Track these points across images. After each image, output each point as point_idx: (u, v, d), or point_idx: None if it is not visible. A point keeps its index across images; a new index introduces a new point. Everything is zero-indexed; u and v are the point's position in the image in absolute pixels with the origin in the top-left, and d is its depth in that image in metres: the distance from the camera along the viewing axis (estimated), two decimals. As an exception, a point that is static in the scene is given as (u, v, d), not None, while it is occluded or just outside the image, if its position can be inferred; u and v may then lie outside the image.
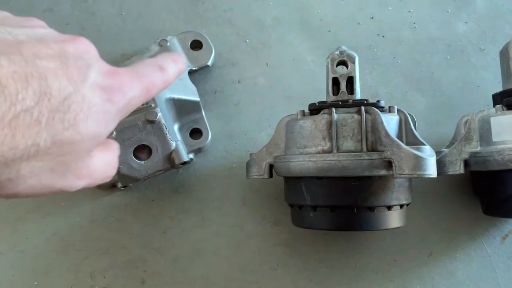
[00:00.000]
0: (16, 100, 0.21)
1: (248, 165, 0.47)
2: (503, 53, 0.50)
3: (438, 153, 0.50)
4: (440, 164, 0.48)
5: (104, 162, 0.29)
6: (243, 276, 0.50)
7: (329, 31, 0.60)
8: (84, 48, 0.26)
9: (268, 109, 0.56)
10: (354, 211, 0.41)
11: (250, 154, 0.48)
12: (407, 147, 0.38)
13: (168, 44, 0.55)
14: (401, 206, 0.43)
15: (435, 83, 0.58)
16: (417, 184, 0.52)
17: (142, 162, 0.45)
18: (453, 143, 0.51)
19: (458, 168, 0.47)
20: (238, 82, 0.58)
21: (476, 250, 0.52)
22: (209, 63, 0.56)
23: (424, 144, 0.41)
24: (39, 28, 0.25)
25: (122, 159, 0.43)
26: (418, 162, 0.38)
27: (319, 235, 0.51)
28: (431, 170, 0.38)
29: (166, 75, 0.32)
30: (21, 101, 0.21)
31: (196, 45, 0.57)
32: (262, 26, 0.60)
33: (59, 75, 0.23)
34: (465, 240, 0.52)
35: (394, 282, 0.50)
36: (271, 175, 0.46)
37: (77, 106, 0.24)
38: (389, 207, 0.42)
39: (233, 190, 0.53)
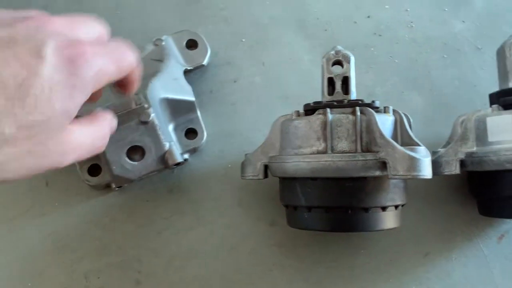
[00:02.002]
0: None
1: (243, 166, 0.47)
2: (500, 52, 0.50)
3: (434, 153, 0.50)
4: (436, 164, 0.48)
5: (89, 135, 0.29)
6: (238, 277, 0.50)
7: (326, 30, 0.60)
8: (35, 25, 0.25)
9: (264, 109, 0.56)
10: (349, 212, 0.41)
11: (246, 154, 0.47)
12: (401, 148, 0.38)
13: (163, 43, 0.54)
14: (396, 207, 0.43)
15: (431, 82, 0.58)
16: (413, 184, 0.51)
17: (136, 163, 0.45)
18: (450, 143, 0.51)
19: (454, 168, 0.47)
20: (234, 81, 0.57)
21: (472, 251, 0.51)
22: (205, 62, 0.56)
23: (419, 145, 0.41)
24: None
25: (115, 160, 0.43)
26: (413, 163, 0.37)
27: (315, 236, 0.50)
28: (426, 171, 0.38)
29: (137, 57, 0.32)
30: None
31: (192, 44, 0.56)
32: (258, 25, 0.60)
33: (9, 62, 0.23)
34: (461, 240, 0.52)
35: (390, 283, 0.50)
36: (266, 176, 0.46)
37: (36, 88, 0.23)
38: (384, 208, 0.41)
39: (228, 191, 0.52)
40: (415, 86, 0.58)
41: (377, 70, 0.58)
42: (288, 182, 0.44)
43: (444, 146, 0.51)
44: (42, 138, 0.25)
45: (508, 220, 0.52)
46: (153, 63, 0.52)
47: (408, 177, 0.37)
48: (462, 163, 0.47)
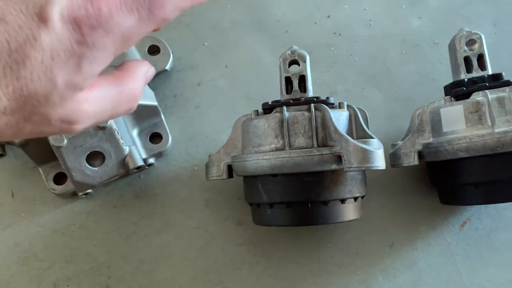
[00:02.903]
0: None
1: (207, 167, 0.48)
2: (451, 46, 0.51)
3: (393, 146, 0.51)
4: (395, 156, 0.49)
5: (111, 99, 0.24)
6: (207, 277, 0.51)
7: (287, 31, 0.61)
8: None
9: (228, 111, 0.57)
10: (309, 206, 0.42)
11: (209, 156, 0.48)
12: (354, 141, 0.39)
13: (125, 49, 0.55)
14: (355, 198, 0.44)
15: (391, 78, 0.60)
16: (376, 177, 0.53)
17: (96, 168, 0.45)
18: (407, 135, 0.53)
19: (412, 160, 0.48)
20: (198, 85, 0.58)
21: (436, 239, 0.53)
22: (168, 67, 0.56)
23: (372, 138, 0.42)
24: None
25: (75, 167, 0.43)
26: (366, 155, 0.39)
27: (282, 232, 0.51)
28: (379, 162, 0.39)
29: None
30: None
31: (154, 50, 0.57)
32: (220, 28, 0.61)
33: (6, 19, 0.19)
34: (425, 229, 0.53)
35: (357, 275, 0.51)
36: (230, 175, 0.47)
37: (33, 58, 0.19)
38: (343, 201, 0.43)
39: (195, 193, 0.53)
40: (376, 83, 0.59)
41: (338, 69, 0.60)
42: (251, 180, 0.45)
43: (403, 139, 0.53)
44: (42, 110, 0.21)
45: (469, 207, 0.53)
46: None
47: (362, 168, 0.39)
48: (420, 154, 0.48)
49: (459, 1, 0.64)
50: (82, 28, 0.20)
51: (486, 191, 0.45)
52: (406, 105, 0.58)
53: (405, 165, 0.49)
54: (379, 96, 0.59)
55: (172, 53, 0.57)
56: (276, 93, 0.53)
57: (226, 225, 0.52)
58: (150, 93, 0.53)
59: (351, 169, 0.39)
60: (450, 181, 0.48)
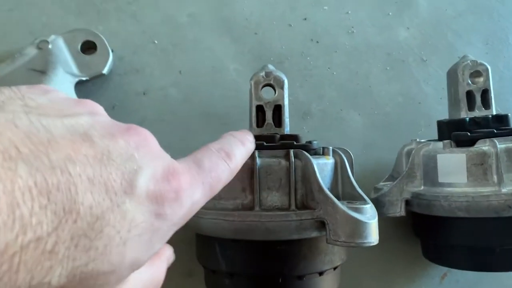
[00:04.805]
0: (28, 225, 0.15)
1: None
2: (451, 75, 0.44)
3: (376, 190, 0.43)
4: (378, 204, 0.41)
5: (144, 282, 0.22)
6: None
7: (256, 33, 0.51)
8: (138, 142, 0.20)
9: (181, 128, 0.47)
10: (280, 281, 0.33)
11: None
12: (343, 208, 0.30)
13: (50, 46, 0.42)
14: (335, 267, 0.36)
15: (373, 98, 0.51)
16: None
17: None
18: (393, 176, 0.45)
19: (398, 210, 0.41)
20: (144, 93, 0.47)
21: (414, 293, 0.47)
22: (105, 70, 0.45)
23: (364, 200, 0.34)
24: (86, 116, 0.19)
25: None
26: (358, 227, 0.30)
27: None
28: (372, 237, 0.31)
29: (234, 164, 0.26)
30: (35, 226, 0.15)
31: (89, 47, 0.45)
32: (174, 24, 0.49)
33: (95, 185, 0.17)
34: (403, 281, 0.47)
35: (324, 336, 0.44)
36: (179, 225, 0.37)
37: (113, 227, 0.18)
38: (321, 273, 0.34)
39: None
40: (355, 103, 0.51)
41: (314, 83, 0.51)
42: (206, 239, 0.35)
43: (387, 180, 0.45)
44: None
45: (450, 257, 0.47)
46: (33, 75, 0.40)
47: (352, 244, 0.30)
48: (408, 202, 0.41)
49: (450, 12, 0.56)
50: (164, 200, 0.20)
51: (483, 258, 0.39)
52: (388, 133, 0.50)
53: (390, 215, 0.41)
54: (358, 120, 0.51)
55: (112, 51, 0.45)
56: (240, 110, 0.44)
57: (173, 277, 0.42)
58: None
59: (337, 243, 0.30)
60: (440, 239, 0.41)
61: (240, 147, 0.28)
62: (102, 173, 0.18)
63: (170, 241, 0.42)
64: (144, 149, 0.20)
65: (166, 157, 0.21)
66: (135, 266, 0.19)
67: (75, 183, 0.16)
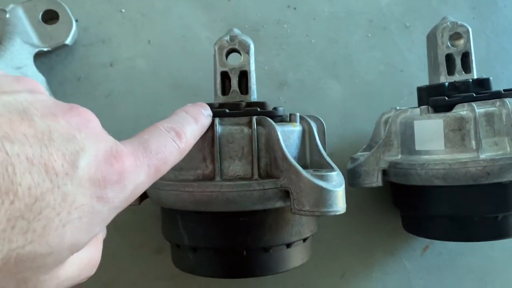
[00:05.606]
0: None
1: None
2: (430, 38, 0.41)
3: (352, 160, 0.42)
4: (354, 174, 0.40)
5: (80, 264, 0.21)
6: (114, 320, 0.40)
7: (229, 0, 0.48)
8: (80, 122, 0.19)
9: (150, 102, 0.45)
10: (244, 253, 0.32)
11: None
12: (308, 176, 0.29)
13: (7, 16, 0.40)
14: (305, 239, 0.34)
15: (353, 67, 0.49)
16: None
17: None
18: (371, 146, 0.43)
19: (375, 180, 0.39)
20: (110, 65, 0.45)
21: (394, 267, 0.45)
22: (69, 41, 0.43)
23: (331, 167, 0.32)
24: (26, 93, 0.18)
25: None
26: (322, 195, 0.28)
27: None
28: (338, 206, 0.29)
29: (184, 143, 0.25)
30: None
31: (51, 16, 0.43)
32: (142, -9, 0.47)
33: (34, 165, 0.17)
34: (382, 255, 0.45)
35: (301, 311, 0.43)
36: (142, 199, 0.35)
37: (52, 209, 0.17)
38: (289, 245, 0.33)
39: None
40: (334, 72, 0.49)
41: (290, 52, 0.48)
42: (168, 213, 0.34)
43: (365, 150, 0.44)
44: (28, 274, 0.18)
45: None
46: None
47: (316, 213, 0.29)
48: (385, 172, 0.39)
49: (435, -25, 0.53)
50: (106, 182, 0.19)
51: (462, 227, 0.37)
52: (369, 102, 0.48)
53: (366, 186, 0.39)
54: (337, 89, 0.48)
55: (75, 21, 0.43)
56: (212, 81, 0.42)
57: (141, 254, 0.41)
58: (41, 79, 0.40)
59: (301, 212, 0.29)
60: (419, 209, 0.39)
61: (192, 124, 0.27)
62: (42, 153, 0.17)
63: (137, 215, 0.41)
64: (86, 130, 0.19)
65: (110, 139, 0.21)
66: (75, 248, 0.19)
67: (12, 163, 0.16)
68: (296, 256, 0.34)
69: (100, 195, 0.19)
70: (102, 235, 0.24)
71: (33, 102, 0.18)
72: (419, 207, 0.39)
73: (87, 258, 0.22)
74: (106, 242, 0.40)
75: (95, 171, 0.19)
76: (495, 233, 0.37)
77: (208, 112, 0.30)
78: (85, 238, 0.19)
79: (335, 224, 0.44)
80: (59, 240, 0.18)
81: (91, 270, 0.23)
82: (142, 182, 0.22)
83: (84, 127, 0.19)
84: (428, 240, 0.46)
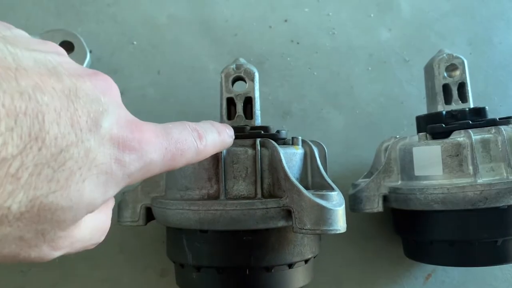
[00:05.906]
0: None
1: (120, 208, 0.37)
2: (428, 70, 0.43)
3: (354, 186, 0.43)
4: (356, 200, 0.41)
5: (93, 227, 0.22)
6: None
7: (236, 34, 0.51)
8: (104, 87, 0.20)
9: (158, 128, 0.46)
10: (247, 272, 0.32)
11: (123, 193, 0.37)
12: (309, 195, 0.30)
13: (26, 45, 0.43)
14: (306, 261, 0.35)
15: (354, 98, 0.51)
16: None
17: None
18: (372, 173, 0.44)
19: (376, 205, 0.40)
20: (122, 93, 0.46)
21: (397, 295, 0.45)
22: (83, 70, 0.45)
23: (332, 188, 0.33)
24: (54, 54, 0.19)
25: None
26: (323, 214, 0.29)
27: None
28: (339, 225, 0.30)
29: (202, 146, 0.25)
30: (0, 147, 0.15)
31: (67, 47, 0.45)
32: (154, 25, 0.49)
33: (62, 117, 0.17)
34: (385, 282, 0.45)
35: (303, 339, 0.42)
36: (148, 220, 0.36)
37: (75, 162, 0.18)
38: (291, 265, 0.33)
39: (107, 234, 0.42)
40: (336, 103, 0.50)
41: (294, 84, 0.50)
42: (173, 233, 0.35)
43: (366, 176, 0.45)
44: (47, 227, 0.18)
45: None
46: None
47: (317, 232, 0.29)
48: (386, 198, 0.40)
49: (433, 13, 0.56)
50: (125, 147, 0.20)
51: (462, 251, 0.37)
52: (370, 132, 0.50)
53: (367, 211, 0.40)
54: (339, 119, 0.50)
55: (90, 52, 0.46)
56: (218, 109, 0.43)
57: (146, 276, 0.42)
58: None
59: (303, 231, 0.30)
60: (420, 234, 0.39)
61: (215, 134, 0.27)
62: (69, 107, 0.18)
63: (142, 239, 0.42)
64: (110, 96, 0.20)
65: (129, 113, 0.21)
66: (91, 207, 0.20)
67: (42, 112, 0.17)
68: (298, 277, 0.34)
69: (118, 158, 0.20)
70: (111, 203, 0.25)
71: (61, 62, 0.19)
72: (419, 232, 0.39)
73: (98, 223, 0.22)
74: (112, 263, 0.41)
75: (116, 133, 0.20)
76: (495, 258, 0.37)
77: (232, 133, 0.31)
78: (100, 198, 0.20)
79: (338, 250, 0.45)
80: (79, 195, 0.18)
81: (101, 236, 0.23)
82: (156, 161, 0.22)
83: (108, 92, 0.20)
84: (430, 269, 0.46)
